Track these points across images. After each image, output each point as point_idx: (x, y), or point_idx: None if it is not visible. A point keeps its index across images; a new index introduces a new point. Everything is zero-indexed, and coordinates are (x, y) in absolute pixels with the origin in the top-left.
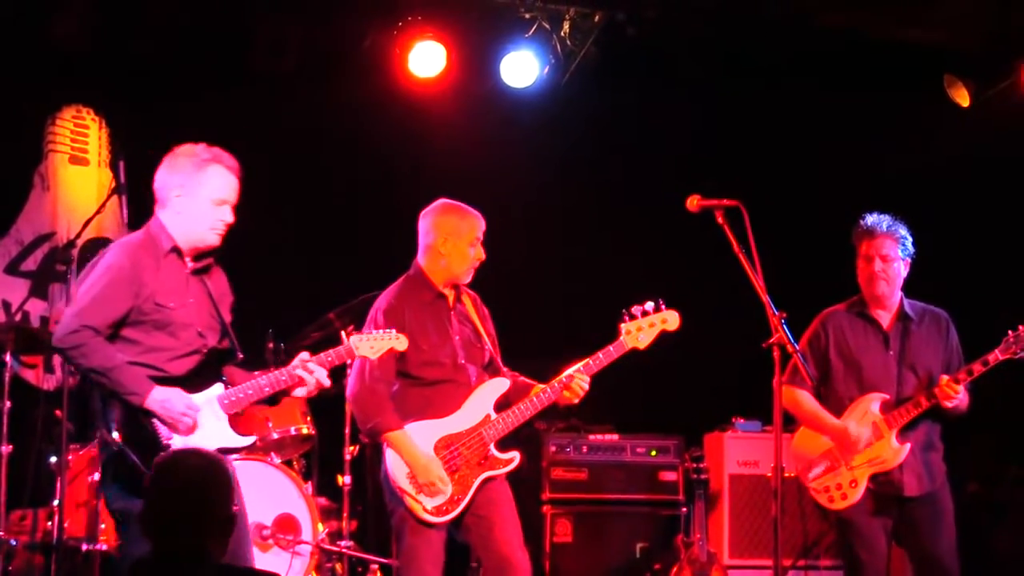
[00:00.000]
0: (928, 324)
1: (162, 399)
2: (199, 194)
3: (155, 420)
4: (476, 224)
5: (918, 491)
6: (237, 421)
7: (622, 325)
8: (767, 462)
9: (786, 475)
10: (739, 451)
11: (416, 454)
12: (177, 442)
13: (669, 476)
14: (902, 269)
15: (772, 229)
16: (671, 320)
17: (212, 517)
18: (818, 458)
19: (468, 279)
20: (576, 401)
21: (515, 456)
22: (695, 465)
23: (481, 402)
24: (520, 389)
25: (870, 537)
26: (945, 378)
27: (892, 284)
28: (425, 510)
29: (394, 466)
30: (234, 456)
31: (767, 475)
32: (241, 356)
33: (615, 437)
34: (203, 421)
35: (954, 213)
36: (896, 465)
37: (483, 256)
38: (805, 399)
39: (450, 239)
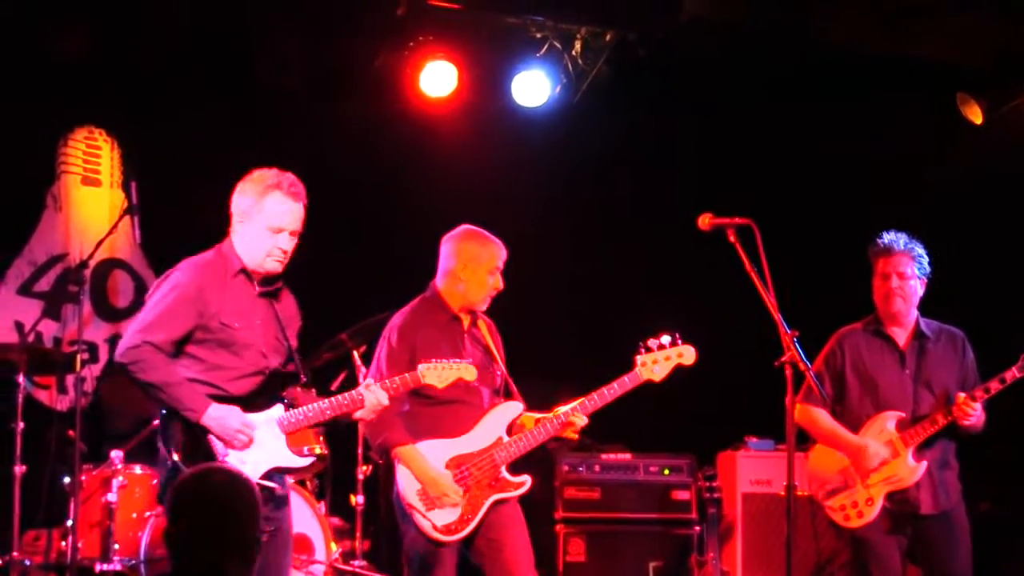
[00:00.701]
0: (944, 342)
1: (218, 416)
2: (256, 221)
3: (211, 437)
4: (497, 252)
5: (934, 509)
6: (293, 442)
7: (638, 357)
8: (780, 481)
9: (799, 494)
10: (752, 470)
11: (426, 467)
12: (232, 459)
13: (682, 495)
14: (918, 287)
15: (784, 247)
16: (687, 355)
17: (232, 536)
18: (834, 476)
19: (484, 307)
20: (575, 438)
21: (526, 479)
22: (708, 484)
23: (494, 424)
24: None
25: (885, 556)
26: (962, 396)
27: (908, 302)
28: (435, 528)
29: (405, 484)
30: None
31: (780, 494)
32: (304, 379)
33: (628, 456)
34: (261, 440)
35: (968, 230)
36: (913, 483)
37: (501, 285)
38: (821, 417)
39: (469, 265)
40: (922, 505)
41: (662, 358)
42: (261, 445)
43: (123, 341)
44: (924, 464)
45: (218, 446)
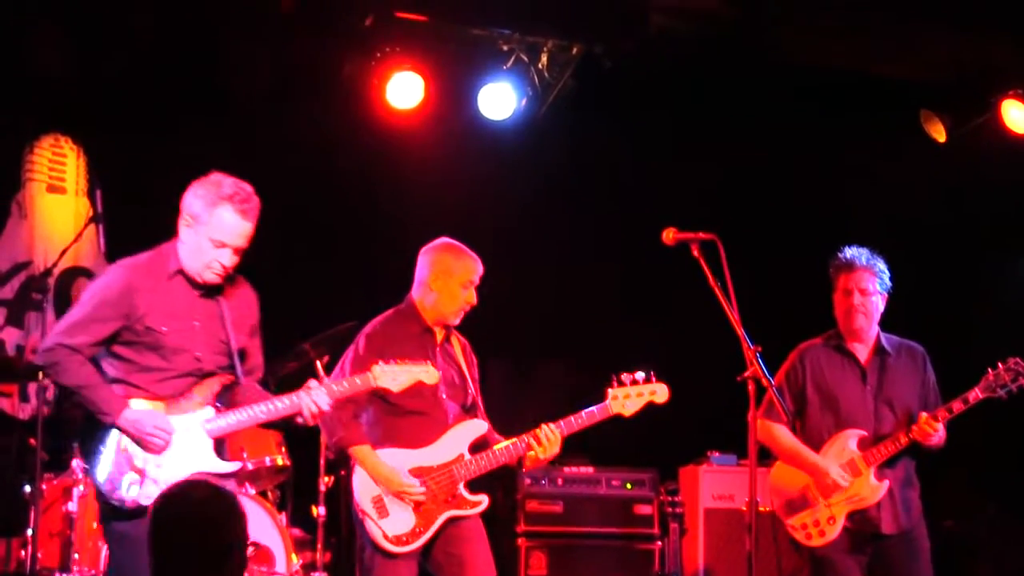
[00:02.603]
0: (905, 358)
1: (133, 419)
2: (202, 231)
3: (129, 443)
4: (471, 267)
5: (895, 528)
6: (223, 447)
7: (609, 390)
8: (742, 496)
9: (761, 509)
10: (714, 485)
11: (380, 465)
12: (150, 464)
13: (644, 509)
14: (880, 303)
15: (748, 262)
16: (660, 393)
17: (215, 554)
18: (795, 493)
19: (456, 321)
20: (543, 457)
21: (483, 499)
22: (670, 498)
23: (456, 440)
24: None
25: (845, 575)
26: (924, 416)
27: (870, 318)
28: (385, 537)
29: (360, 488)
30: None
31: (742, 509)
32: (240, 382)
33: (590, 470)
34: (184, 443)
35: (930, 246)
36: (875, 503)
37: (474, 301)
38: (782, 433)
39: (441, 277)
40: (883, 524)
41: (634, 394)
42: (182, 448)
43: (42, 343)
44: (886, 483)
45: (135, 452)
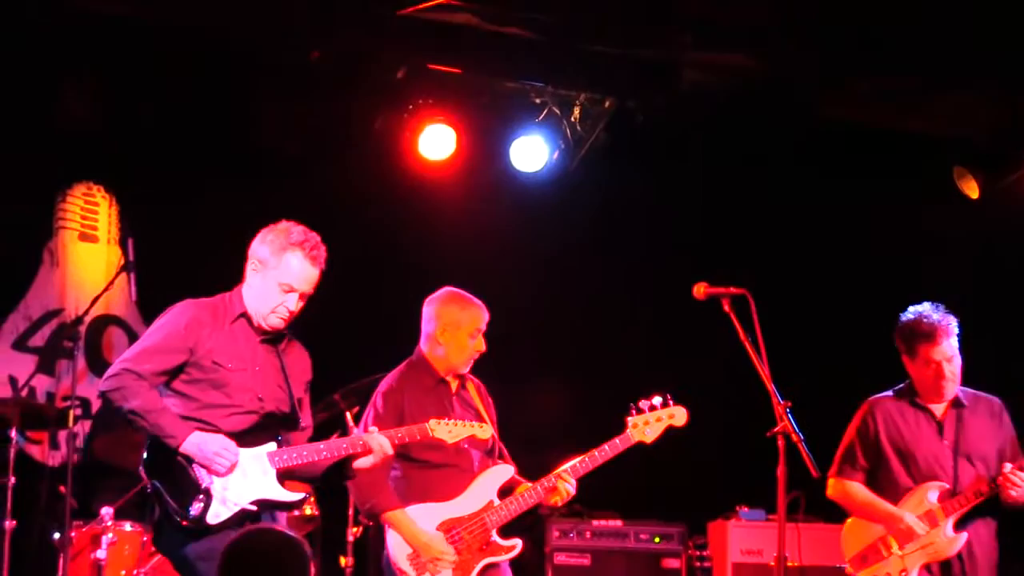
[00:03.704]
0: (982, 411)
1: (198, 441)
2: (271, 275)
3: (195, 466)
4: (477, 316)
5: None
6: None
7: (629, 419)
8: (771, 551)
9: (789, 564)
10: (743, 539)
11: (417, 532)
12: (216, 487)
13: (673, 563)
14: (960, 361)
15: (780, 317)
16: (678, 416)
17: None
18: (868, 546)
19: (466, 369)
20: (560, 503)
21: (518, 543)
22: (699, 553)
23: (484, 488)
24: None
25: None
26: (1009, 466)
27: (958, 381)
28: None
29: (395, 548)
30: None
31: (771, 564)
32: (304, 426)
33: (619, 523)
34: (248, 470)
35: (965, 303)
36: (949, 555)
37: (483, 348)
38: (857, 489)
39: (448, 330)
40: None
41: (653, 419)
42: (248, 476)
43: (108, 371)
44: (964, 535)
45: (200, 474)
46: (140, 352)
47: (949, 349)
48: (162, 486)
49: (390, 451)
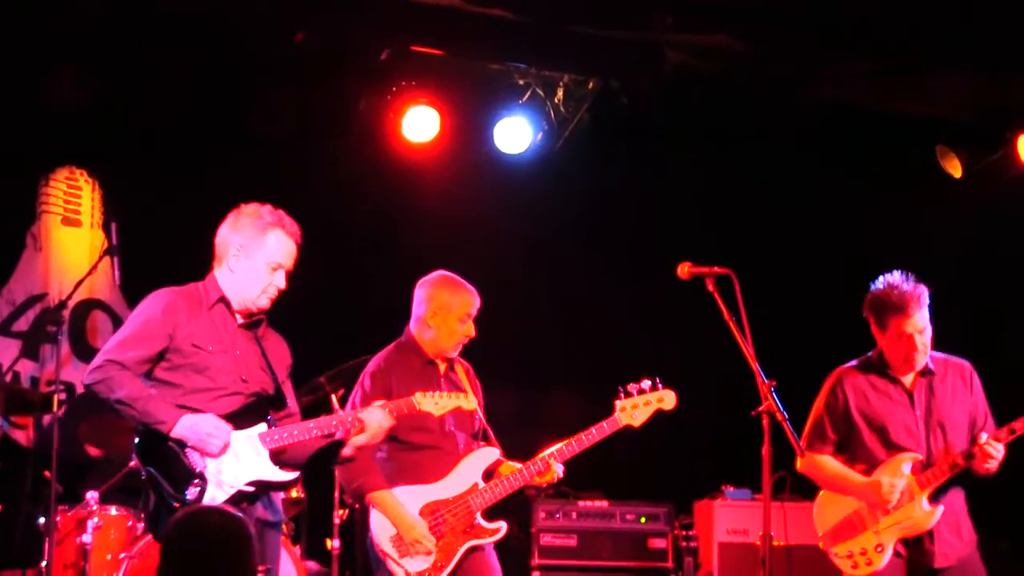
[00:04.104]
0: (952, 377)
1: (190, 424)
2: (257, 257)
3: (187, 450)
4: (468, 301)
5: (950, 561)
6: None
7: (617, 402)
8: (756, 530)
9: (775, 544)
10: (729, 519)
11: (401, 513)
12: (210, 469)
13: (659, 543)
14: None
15: (764, 296)
16: (667, 400)
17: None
18: (841, 521)
19: (454, 353)
20: (544, 485)
21: (502, 526)
22: (685, 532)
23: (469, 470)
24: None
25: None
26: (985, 436)
27: (928, 351)
28: (407, 574)
29: (378, 529)
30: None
31: (756, 543)
32: (291, 411)
33: (605, 503)
34: (241, 453)
35: (949, 280)
36: (926, 529)
37: (472, 333)
38: (828, 462)
39: (439, 313)
40: (937, 558)
41: (642, 403)
42: (241, 458)
43: (90, 364)
44: (940, 508)
45: (194, 458)
46: (120, 342)
47: (921, 320)
48: (157, 472)
49: (390, 422)
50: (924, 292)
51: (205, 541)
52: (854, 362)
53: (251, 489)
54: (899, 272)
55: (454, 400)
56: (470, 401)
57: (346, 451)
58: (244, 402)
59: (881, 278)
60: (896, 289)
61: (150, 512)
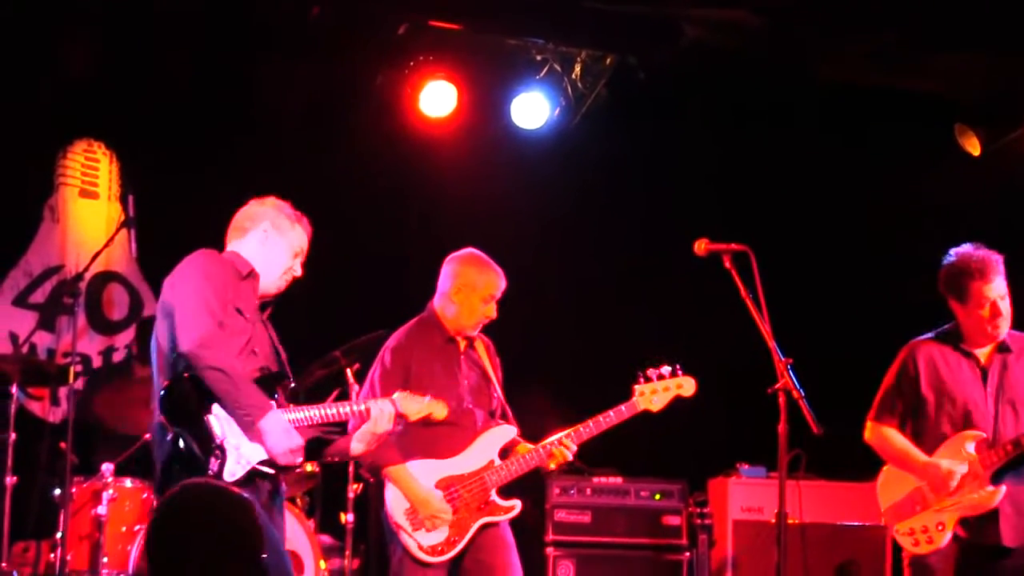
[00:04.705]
0: None
1: (285, 427)
2: (289, 236)
3: (209, 418)
4: (494, 281)
5: (1017, 541)
6: None
7: (636, 386)
8: (771, 508)
9: (790, 521)
10: (743, 497)
11: (416, 488)
12: (230, 442)
13: (673, 520)
14: None
15: (781, 274)
16: (687, 386)
17: (226, 559)
18: (904, 499)
19: (474, 332)
20: (554, 467)
21: (516, 504)
22: (699, 510)
23: (486, 447)
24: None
25: None
26: None
27: (1010, 319)
28: (421, 548)
29: (393, 502)
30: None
31: (771, 521)
32: (293, 384)
33: (619, 480)
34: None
35: None
36: (989, 508)
37: (494, 315)
38: (894, 436)
39: (464, 290)
40: (1004, 536)
41: (661, 388)
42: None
43: (188, 333)
44: (1003, 488)
45: (216, 428)
46: (208, 310)
47: (1002, 286)
48: (187, 434)
49: (388, 425)
50: (1000, 259)
51: (204, 519)
52: (930, 334)
53: (265, 469)
54: (968, 244)
55: (430, 407)
56: (441, 410)
57: (354, 447)
58: (258, 379)
59: (951, 251)
60: (975, 255)
61: (159, 473)
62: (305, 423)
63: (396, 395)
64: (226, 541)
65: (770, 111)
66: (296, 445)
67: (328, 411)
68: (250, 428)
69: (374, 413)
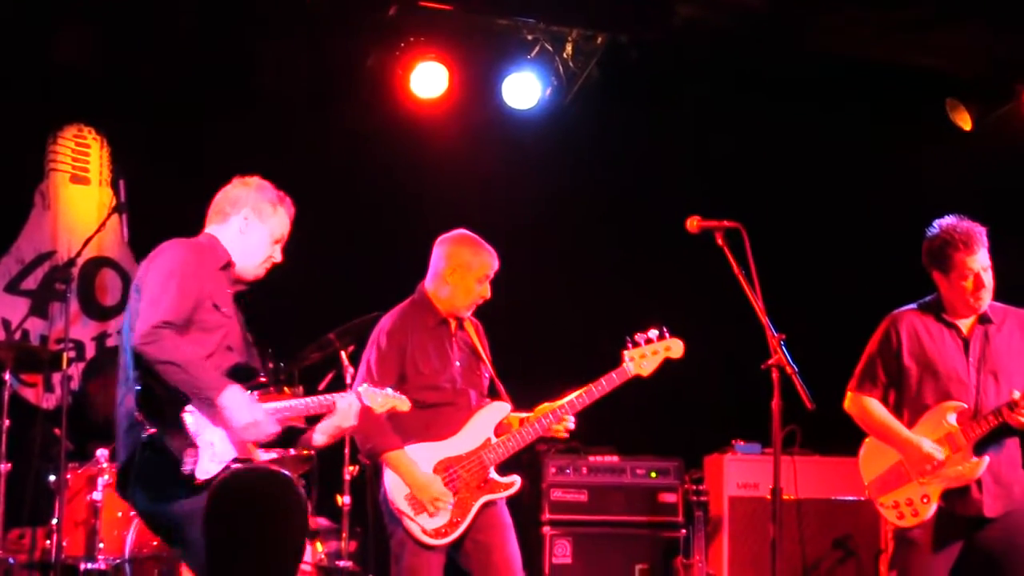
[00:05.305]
0: (1009, 327)
1: (245, 401)
2: (271, 223)
3: (184, 415)
4: (487, 262)
5: (998, 510)
6: None
7: (625, 352)
8: (767, 484)
9: (785, 498)
10: (739, 473)
11: (415, 473)
12: (204, 438)
13: (669, 498)
14: None
15: (774, 250)
16: (675, 348)
17: (276, 542)
18: (888, 471)
19: (467, 314)
20: (556, 437)
21: (516, 480)
22: (695, 487)
23: (481, 426)
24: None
25: (932, 561)
26: (1018, 393)
27: (991, 291)
28: (424, 531)
29: (393, 487)
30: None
31: (767, 497)
32: (263, 379)
33: (615, 458)
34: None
35: None
36: (972, 479)
37: (488, 295)
38: (875, 407)
39: (458, 271)
40: (985, 507)
41: (650, 352)
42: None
43: (141, 326)
44: (986, 459)
45: (191, 426)
46: (171, 302)
47: (984, 258)
48: (162, 434)
49: (354, 421)
50: (984, 231)
51: (254, 497)
52: (912, 305)
53: (240, 466)
54: (951, 215)
55: (393, 401)
56: (404, 404)
57: (317, 438)
58: (228, 371)
59: (935, 223)
60: (958, 227)
61: (122, 466)
62: (277, 416)
63: (361, 388)
64: (276, 518)
65: (762, 88)
66: (257, 418)
67: (299, 404)
68: (212, 407)
69: (341, 407)
